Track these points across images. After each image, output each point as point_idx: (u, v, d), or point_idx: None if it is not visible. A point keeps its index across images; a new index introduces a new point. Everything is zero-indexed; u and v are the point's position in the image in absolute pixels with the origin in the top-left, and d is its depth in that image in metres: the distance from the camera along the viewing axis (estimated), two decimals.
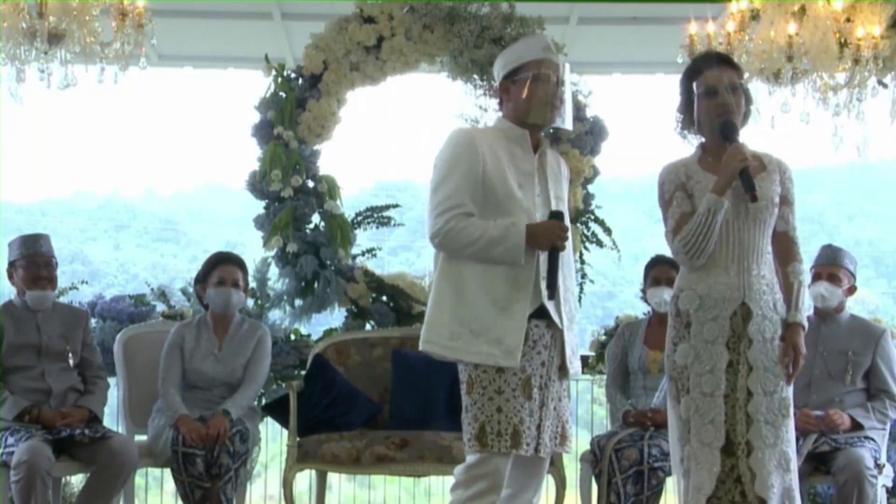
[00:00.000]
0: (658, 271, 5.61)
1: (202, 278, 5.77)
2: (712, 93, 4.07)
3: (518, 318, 3.97)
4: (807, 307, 5.62)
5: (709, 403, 4.03)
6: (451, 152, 4.00)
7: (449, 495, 4.05)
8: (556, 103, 4.05)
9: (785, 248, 4.12)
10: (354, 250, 6.82)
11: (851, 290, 5.49)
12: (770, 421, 3.99)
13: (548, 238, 3.98)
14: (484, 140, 4.02)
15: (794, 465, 4.06)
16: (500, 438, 3.90)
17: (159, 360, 5.66)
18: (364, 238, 7.02)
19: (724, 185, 4.00)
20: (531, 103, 4.03)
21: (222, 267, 5.72)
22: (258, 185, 6.65)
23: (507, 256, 3.94)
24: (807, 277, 4.13)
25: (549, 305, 4.02)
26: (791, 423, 4.06)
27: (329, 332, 6.61)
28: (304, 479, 6.38)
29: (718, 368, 4.02)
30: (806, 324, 4.07)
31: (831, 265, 5.43)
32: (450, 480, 4.09)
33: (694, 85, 4.11)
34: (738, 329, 4.04)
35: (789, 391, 4.06)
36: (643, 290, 5.75)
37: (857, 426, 5.23)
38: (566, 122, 4.14)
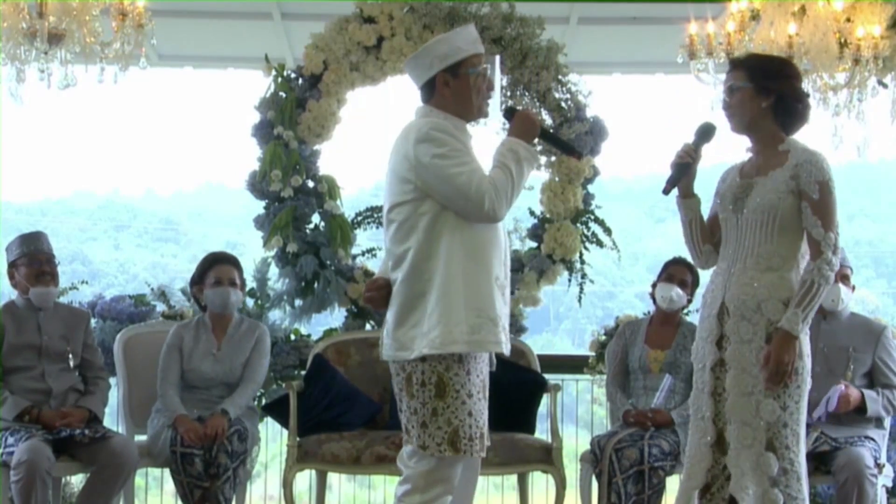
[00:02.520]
0: (675, 269, 5.62)
1: (198, 279, 5.77)
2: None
3: (508, 302, 4.05)
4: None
5: (700, 400, 4.09)
6: (448, 139, 3.92)
7: (400, 501, 3.97)
8: (489, 97, 4.11)
9: (809, 245, 3.97)
10: (354, 250, 6.82)
11: (852, 288, 5.51)
12: (748, 422, 3.92)
13: (532, 124, 4.07)
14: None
15: (786, 474, 3.91)
16: (471, 443, 3.90)
17: (158, 361, 5.66)
18: (364, 238, 7.02)
19: (681, 186, 4.13)
20: (477, 100, 4.04)
21: (218, 267, 5.72)
22: (258, 185, 6.65)
23: (532, 162, 4.04)
24: (824, 277, 3.90)
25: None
26: (778, 430, 3.91)
27: (329, 332, 6.61)
28: (304, 479, 6.39)
29: (706, 366, 4.06)
30: (795, 328, 3.87)
31: (841, 266, 5.42)
32: None
33: None
34: (725, 328, 4.06)
35: (776, 398, 3.90)
36: (654, 285, 5.73)
37: (862, 408, 5.21)
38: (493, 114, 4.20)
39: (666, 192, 4.11)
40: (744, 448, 3.93)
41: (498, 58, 4.19)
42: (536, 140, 4.20)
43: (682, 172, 4.10)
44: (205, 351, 5.66)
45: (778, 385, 3.90)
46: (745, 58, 4.31)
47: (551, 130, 4.01)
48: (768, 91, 4.02)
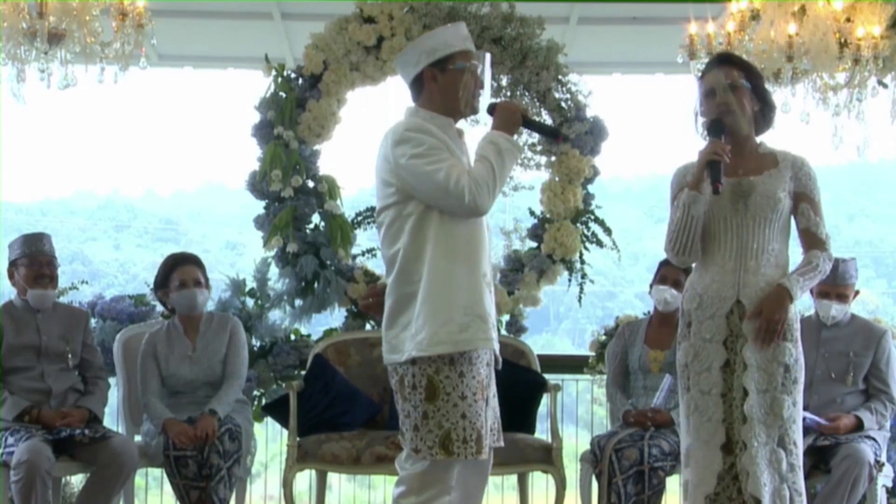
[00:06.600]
0: (668, 270, 5.60)
1: (162, 283, 5.70)
2: (710, 94, 4.11)
3: (494, 299, 4.00)
4: (808, 306, 5.64)
5: (706, 401, 4.06)
6: (425, 138, 3.87)
7: (396, 502, 3.94)
8: (479, 94, 4.02)
9: (807, 242, 4.11)
10: (354, 250, 6.82)
11: (855, 295, 5.50)
12: (762, 420, 3.96)
13: (513, 115, 3.98)
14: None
15: (792, 470, 3.98)
16: (465, 445, 3.84)
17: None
18: (364, 238, 7.02)
19: (696, 178, 4.05)
20: (465, 95, 3.96)
21: (181, 268, 5.66)
22: (258, 185, 6.65)
23: (514, 152, 3.96)
24: (826, 268, 4.09)
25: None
26: (788, 427, 3.98)
27: (329, 332, 6.61)
28: (304, 479, 6.38)
29: (715, 367, 4.05)
30: (794, 291, 3.98)
31: (839, 285, 5.38)
32: None
33: (698, 88, 4.17)
34: (735, 328, 4.05)
35: (788, 394, 3.98)
36: (651, 286, 5.74)
37: (859, 425, 5.23)
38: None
39: (718, 191, 4.01)
40: (760, 446, 3.95)
41: (488, 55, 4.13)
42: (524, 130, 4.17)
43: (721, 168, 4.03)
44: (180, 355, 5.60)
45: (766, 341, 3.95)
46: (736, 57, 4.34)
47: (535, 118, 4.05)
48: (760, 96, 4.12)
